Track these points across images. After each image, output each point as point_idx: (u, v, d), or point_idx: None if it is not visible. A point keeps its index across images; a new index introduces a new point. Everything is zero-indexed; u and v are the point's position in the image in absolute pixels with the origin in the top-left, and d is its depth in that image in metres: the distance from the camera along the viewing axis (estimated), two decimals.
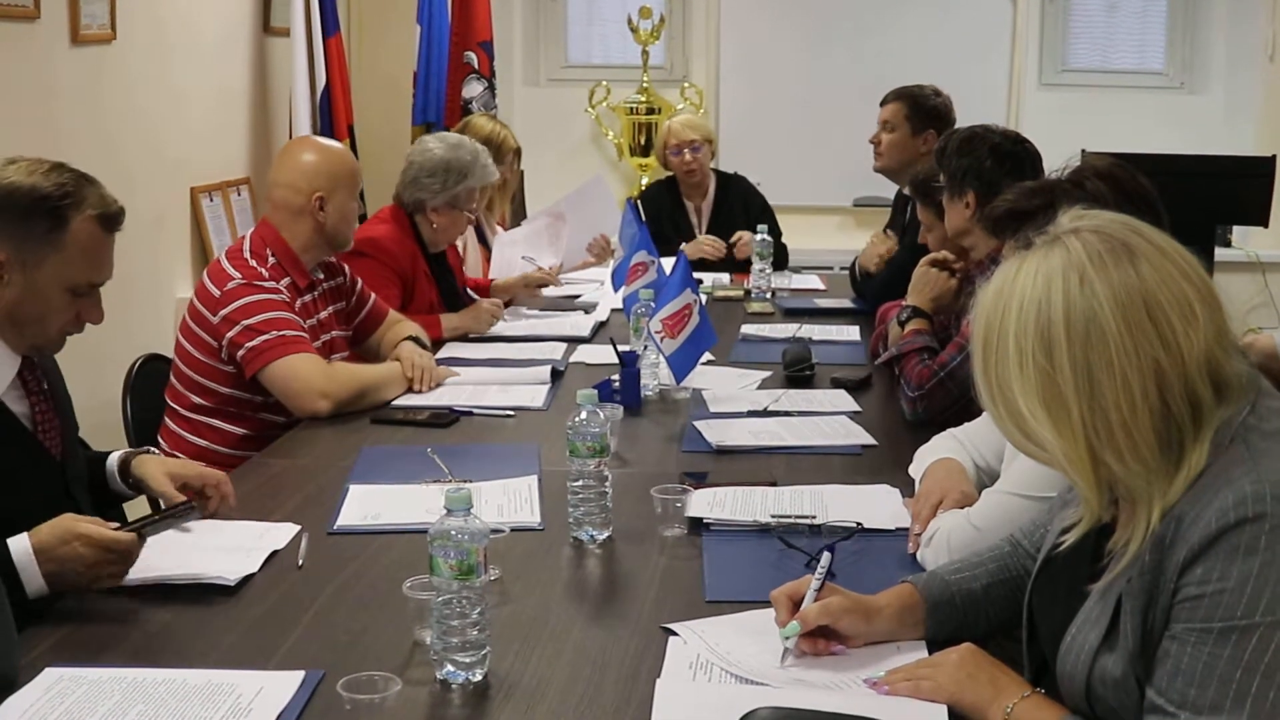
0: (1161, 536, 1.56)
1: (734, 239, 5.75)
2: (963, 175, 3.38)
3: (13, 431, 2.42)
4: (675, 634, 2.07)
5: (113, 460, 2.69)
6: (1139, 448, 1.57)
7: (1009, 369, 1.61)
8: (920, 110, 4.92)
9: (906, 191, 4.31)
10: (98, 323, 2.50)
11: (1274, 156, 5.58)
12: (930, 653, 1.96)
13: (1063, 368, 1.57)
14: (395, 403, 3.50)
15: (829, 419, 3.33)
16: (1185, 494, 1.56)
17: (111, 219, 2.44)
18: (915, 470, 2.67)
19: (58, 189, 2.35)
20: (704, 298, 3.69)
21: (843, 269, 5.58)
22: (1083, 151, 3.12)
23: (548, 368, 3.79)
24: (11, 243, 2.35)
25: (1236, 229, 7.02)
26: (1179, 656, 1.54)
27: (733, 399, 3.55)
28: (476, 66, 6.74)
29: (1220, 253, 6.47)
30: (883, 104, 5.02)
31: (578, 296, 5.19)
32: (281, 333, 3.31)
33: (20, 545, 2.14)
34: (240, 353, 3.30)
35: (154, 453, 2.73)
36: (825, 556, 2.09)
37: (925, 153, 4.69)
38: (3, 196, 2.34)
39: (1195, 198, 4.61)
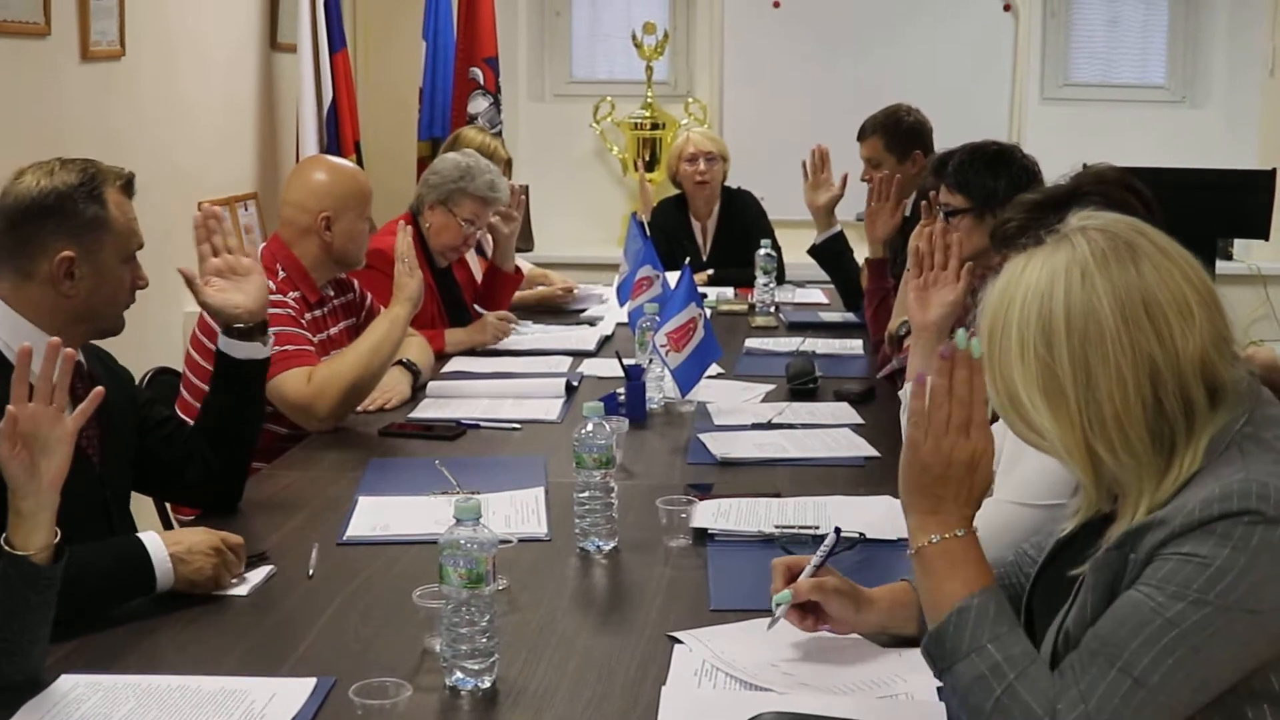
0: (1145, 525, 1.59)
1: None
2: (1001, 197, 3.28)
3: None
4: (680, 642, 2.10)
5: None
6: (1130, 441, 1.60)
7: (1011, 359, 1.65)
8: (898, 136, 4.90)
9: (906, 214, 4.33)
10: (145, 286, 2.57)
11: (1274, 170, 5.61)
12: None
13: (1061, 359, 1.62)
14: (407, 415, 3.55)
15: (832, 431, 3.36)
16: (1175, 495, 1.59)
17: (129, 183, 2.54)
18: None
19: (82, 174, 2.44)
20: (708, 312, 3.72)
21: None
22: (1084, 166, 3.13)
23: (563, 381, 3.83)
24: (72, 238, 2.41)
25: (1238, 242, 7.02)
26: (1126, 600, 1.57)
27: (737, 412, 3.57)
28: (482, 82, 6.77)
29: (1221, 265, 6.49)
30: (860, 140, 4.98)
31: (583, 310, 5.23)
32: (283, 348, 3.31)
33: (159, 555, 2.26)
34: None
35: None
36: (830, 537, 2.12)
37: (916, 173, 4.69)
38: (44, 202, 2.39)
39: (1196, 211, 4.64)
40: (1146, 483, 1.61)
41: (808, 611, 2.05)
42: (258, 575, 2.39)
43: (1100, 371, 1.60)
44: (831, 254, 4.90)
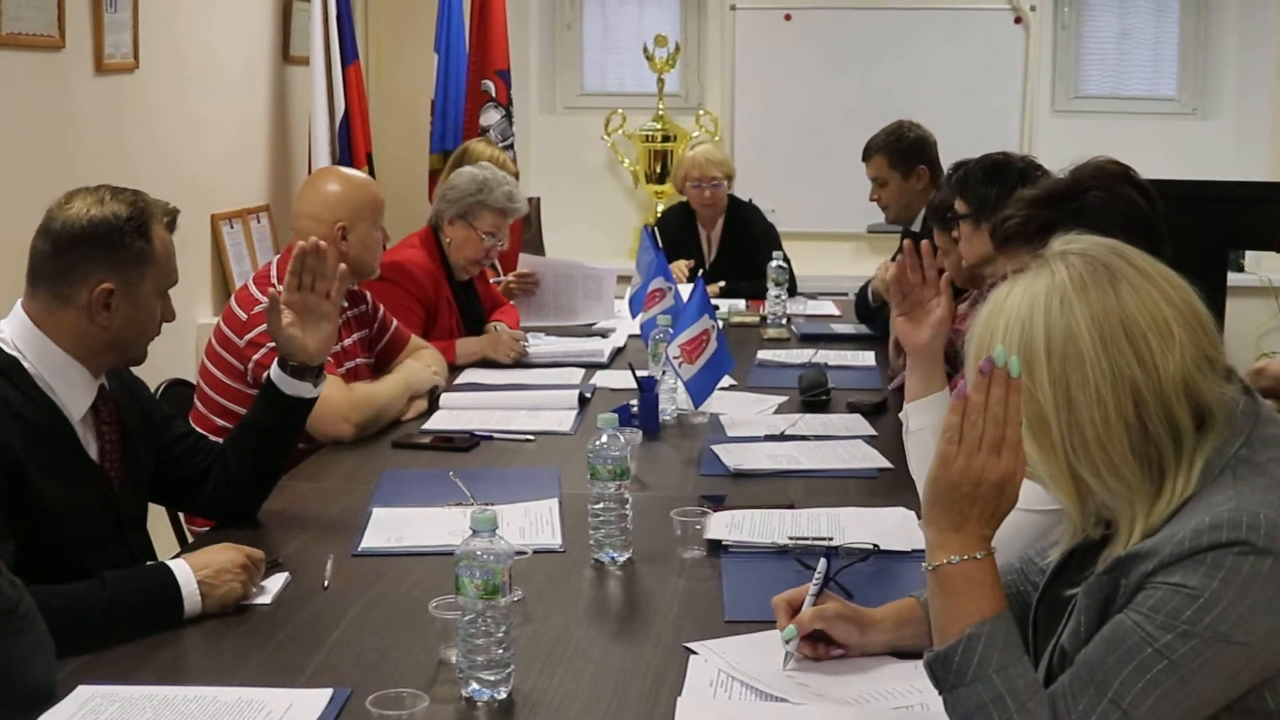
0: (1135, 553, 1.59)
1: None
2: (992, 204, 3.30)
3: (78, 459, 2.45)
4: (695, 653, 2.10)
5: None
6: (1116, 465, 1.61)
7: None
8: (900, 153, 4.92)
9: (915, 229, 4.34)
10: (173, 320, 2.59)
11: None
12: None
13: (1043, 385, 1.63)
14: (421, 427, 3.56)
15: (845, 443, 3.37)
16: (1169, 520, 1.59)
17: (174, 219, 2.56)
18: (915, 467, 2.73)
19: (132, 208, 2.44)
20: (720, 323, 3.73)
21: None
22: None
23: (576, 393, 3.84)
24: (114, 271, 2.42)
25: (1249, 254, 7.03)
26: (1116, 626, 1.57)
27: (750, 423, 3.58)
28: (494, 94, 6.78)
29: (1233, 278, 6.47)
30: (865, 160, 5.01)
31: (595, 323, 5.23)
32: None
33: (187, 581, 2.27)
34: (265, 376, 3.34)
35: None
36: (821, 564, 2.13)
37: (923, 189, 4.71)
38: (93, 231, 2.40)
39: (1207, 223, 4.64)
40: (1139, 507, 1.62)
41: (816, 641, 2.06)
42: (275, 583, 2.41)
43: (1080, 396, 1.61)
44: None
